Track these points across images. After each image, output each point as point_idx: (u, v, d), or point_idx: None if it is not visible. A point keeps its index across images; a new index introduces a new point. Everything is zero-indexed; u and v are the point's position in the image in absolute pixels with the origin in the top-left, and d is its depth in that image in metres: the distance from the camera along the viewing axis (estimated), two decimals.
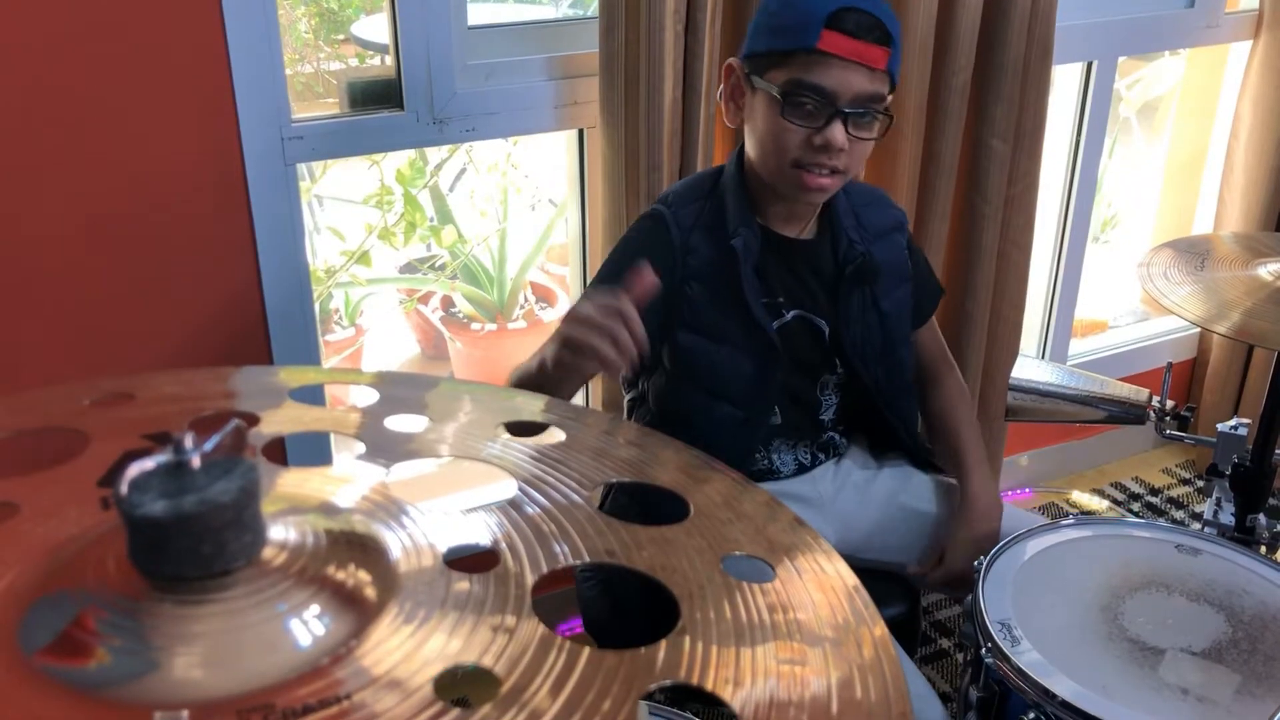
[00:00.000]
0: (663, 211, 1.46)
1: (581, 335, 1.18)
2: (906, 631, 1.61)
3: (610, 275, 1.47)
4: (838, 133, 1.35)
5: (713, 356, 1.46)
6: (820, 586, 0.61)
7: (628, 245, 1.49)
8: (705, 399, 1.48)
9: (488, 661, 0.53)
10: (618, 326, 1.17)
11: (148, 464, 0.55)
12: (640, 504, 0.71)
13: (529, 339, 3.08)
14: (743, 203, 1.46)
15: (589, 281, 1.53)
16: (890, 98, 1.41)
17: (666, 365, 1.49)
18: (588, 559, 0.61)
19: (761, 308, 1.46)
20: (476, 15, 1.76)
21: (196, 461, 0.55)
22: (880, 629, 0.58)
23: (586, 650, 0.54)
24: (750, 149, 1.45)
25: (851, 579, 0.61)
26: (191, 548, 0.54)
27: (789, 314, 1.50)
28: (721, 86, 1.48)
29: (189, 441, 0.55)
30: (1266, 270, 1.66)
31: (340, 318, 3.08)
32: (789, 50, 1.36)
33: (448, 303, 3.15)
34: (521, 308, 3.13)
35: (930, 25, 1.90)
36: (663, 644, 0.55)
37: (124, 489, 0.54)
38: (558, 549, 0.61)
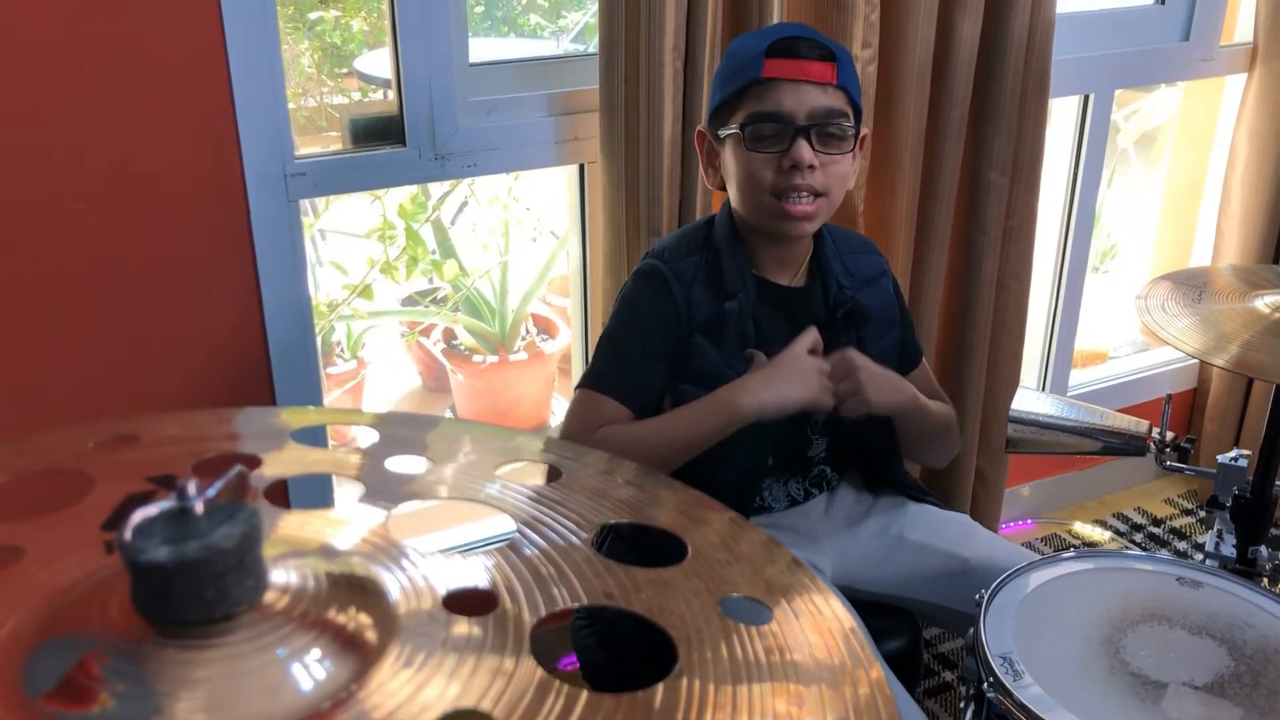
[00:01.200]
0: (661, 269, 1.48)
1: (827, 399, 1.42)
2: (908, 664, 1.61)
3: (620, 335, 1.50)
4: (804, 150, 1.39)
5: None
6: (817, 628, 0.61)
7: (634, 305, 1.50)
8: None
9: (486, 705, 0.54)
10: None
11: (151, 510, 0.55)
12: (636, 545, 0.72)
13: (530, 371, 3.09)
14: (739, 257, 1.48)
15: (603, 334, 1.54)
16: (863, 127, 1.46)
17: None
18: (586, 601, 0.61)
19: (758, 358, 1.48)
20: (478, 52, 1.78)
21: (200, 507, 0.55)
22: (876, 671, 0.58)
23: (585, 694, 0.54)
24: (733, 198, 1.48)
25: (849, 621, 0.62)
26: (194, 593, 0.55)
27: None
28: (699, 156, 1.53)
29: (192, 487, 0.56)
30: (1264, 303, 1.67)
31: (342, 350, 3.09)
32: (740, 91, 1.41)
33: (449, 335, 3.16)
34: (523, 339, 3.14)
35: (927, 59, 1.92)
36: (660, 687, 0.55)
37: (128, 535, 0.55)
38: (556, 591, 0.62)
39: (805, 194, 1.41)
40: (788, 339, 1.50)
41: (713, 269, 1.48)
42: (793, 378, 1.41)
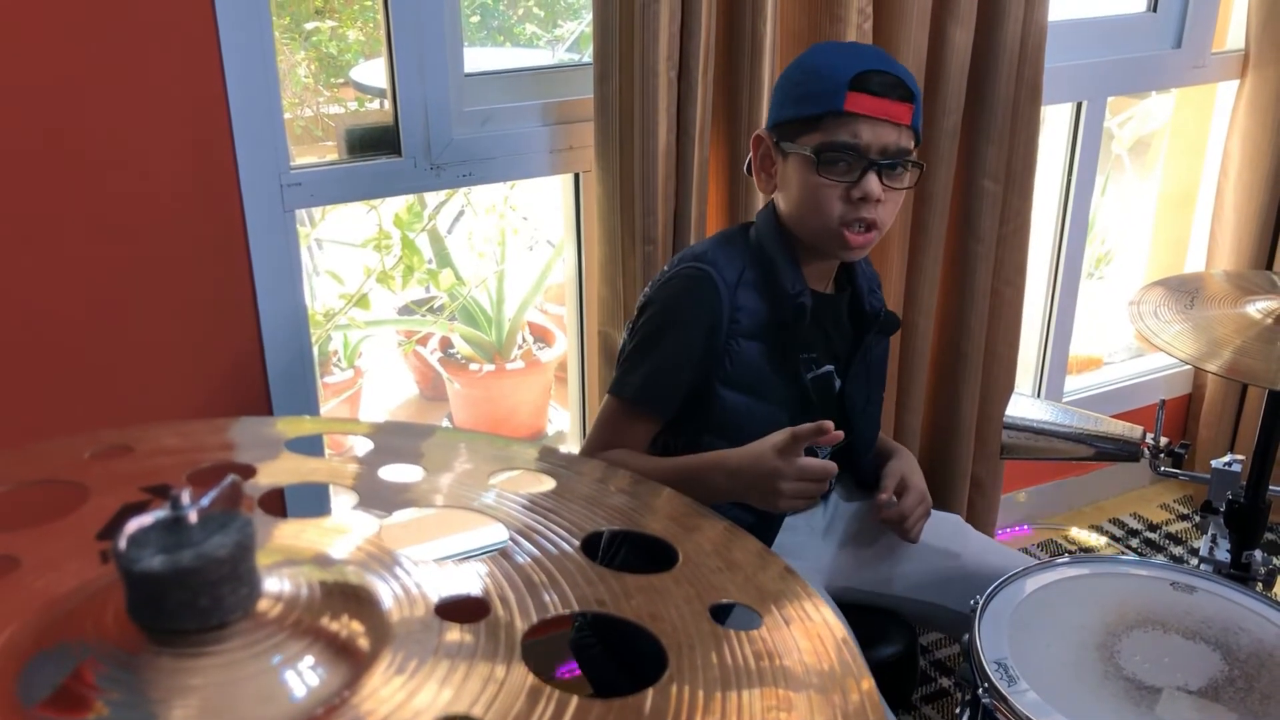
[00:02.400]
0: (709, 270, 1.46)
1: (803, 503, 1.37)
2: (905, 670, 1.62)
3: (659, 341, 1.47)
4: (873, 183, 1.40)
5: (755, 413, 1.47)
6: (807, 634, 0.62)
7: (676, 309, 1.47)
8: None
9: (478, 711, 0.54)
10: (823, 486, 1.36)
11: (146, 519, 0.56)
12: (643, 553, 0.72)
13: (527, 379, 3.09)
14: (791, 261, 1.48)
15: (633, 336, 1.51)
16: (917, 150, 1.46)
17: (698, 421, 1.49)
18: (577, 608, 0.62)
19: (802, 363, 1.50)
20: (474, 62, 1.79)
21: (194, 516, 0.56)
22: (868, 681, 0.59)
23: (575, 700, 0.55)
24: (788, 212, 1.48)
25: (840, 630, 0.62)
26: (188, 601, 0.55)
27: (819, 368, 1.53)
28: (750, 157, 1.52)
29: (186, 497, 0.56)
30: (1255, 308, 1.67)
31: (339, 360, 3.09)
32: (817, 115, 1.41)
33: (446, 344, 3.16)
34: (520, 348, 3.14)
35: (920, 68, 1.93)
36: (649, 692, 0.56)
37: (122, 544, 0.55)
38: (547, 598, 0.62)
39: (864, 225, 1.42)
40: (823, 346, 1.53)
41: (761, 274, 1.48)
42: (755, 484, 1.36)
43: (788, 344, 1.48)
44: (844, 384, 1.56)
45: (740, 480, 1.35)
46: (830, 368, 1.55)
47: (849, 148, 1.40)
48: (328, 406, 2.95)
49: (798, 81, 1.46)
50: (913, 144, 1.45)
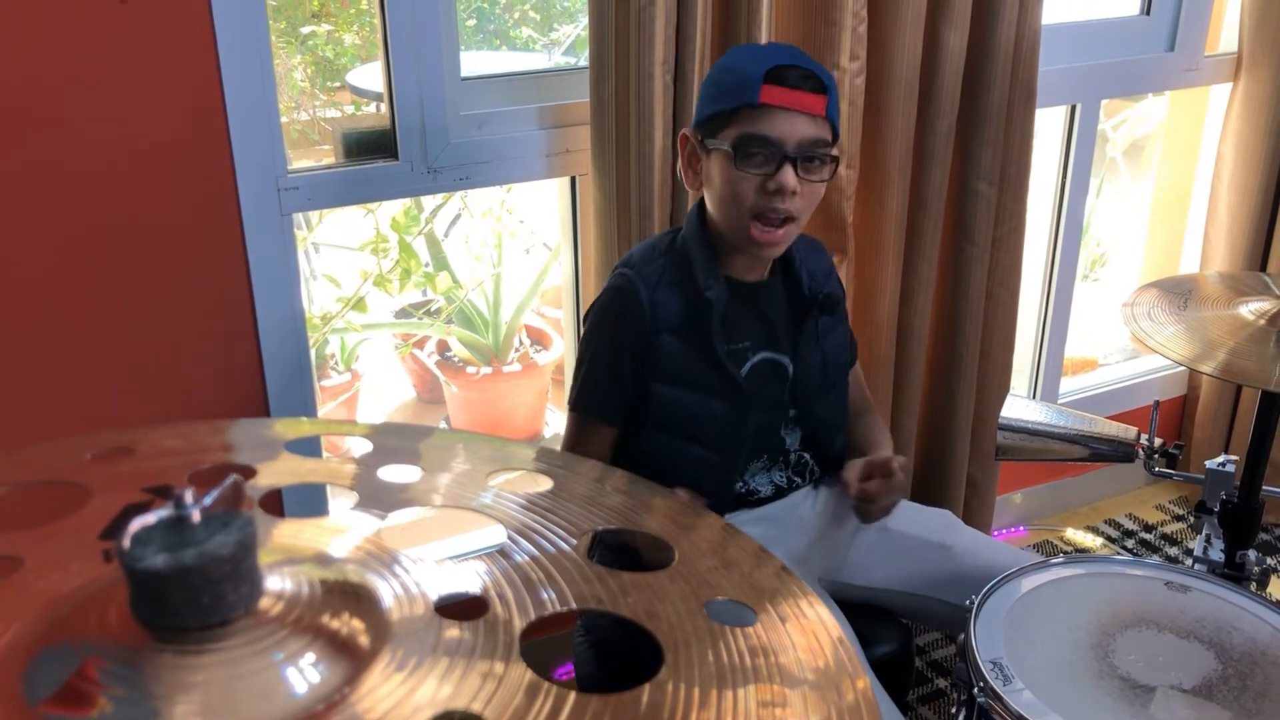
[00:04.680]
0: (628, 275, 1.53)
1: None
2: (900, 670, 1.62)
3: (594, 355, 1.55)
4: (789, 176, 1.43)
5: (685, 403, 1.52)
6: (803, 632, 0.62)
7: (603, 323, 1.55)
8: (678, 443, 1.54)
9: (477, 707, 0.55)
10: None
11: (149, 518, 0.56)
12: (619, 554, 0.73)
13: (524, 382, 3.10)
14: (708, 256, 1.52)
15: (579, 353, 1.58)
16: (837, 146, 1.49)
17: (639, 416, 1.54)
18: (574, 606, 0.62)
19: (729, 354, 1.52)
20: (470, 65, 1.80)
21: (196, 516, 0.57)
22: (863, 680, 0.59)
23: (573, 695, 0.55)
24: (711, 207, 1.52)
25: (836, 629, 0.63)
26: (191, 599, 0.56)
27: (756, 356, 1.56)
28: (679, 157, 1.55)
29: (189, 497, 0.57)
30: (1249, 310, 1.68)
31: (336, 363, 3.09)
32: (734, 109, 1.44)
33: (443, 347, 3.17)
34: (516, 351, 3.15)
35: (915, 72, 1.94)
36: (646, 688, 0.56)
37: (125, 543, 0.56)
38: (545, 596, 0.63)
39: (779, 218, 1.45)
40: (759, 334, 1.56)
41: (679, 270, 1.52)
42: None
43: (707, 335, 1.50)
44: (795, 369, 1.58)
45: None
46: (767, 355, 1.57)
47: (764, 140, 1.43)
48: (325, 409, 2.96)
49: (716, 80, 1.51)
50: (830, 135, 1.47)
